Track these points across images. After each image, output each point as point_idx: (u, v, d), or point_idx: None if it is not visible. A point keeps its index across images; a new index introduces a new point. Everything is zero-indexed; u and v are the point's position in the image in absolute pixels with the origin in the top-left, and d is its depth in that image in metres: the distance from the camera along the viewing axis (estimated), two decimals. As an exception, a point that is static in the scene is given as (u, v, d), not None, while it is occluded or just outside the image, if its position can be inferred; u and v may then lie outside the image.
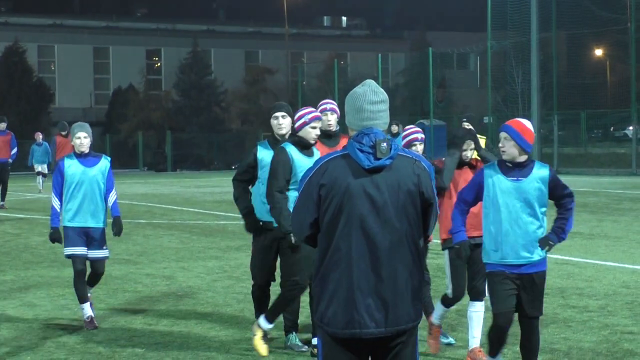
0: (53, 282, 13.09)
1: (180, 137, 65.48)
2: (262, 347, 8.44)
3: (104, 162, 10.17)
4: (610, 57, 60.82)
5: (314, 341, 8.49)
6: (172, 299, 11.73)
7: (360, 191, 5.05)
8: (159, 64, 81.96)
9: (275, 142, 8.98)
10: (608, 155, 48.71)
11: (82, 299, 10.01)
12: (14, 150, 25.21)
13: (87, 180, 9.99)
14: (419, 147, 9.20)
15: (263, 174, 8.88)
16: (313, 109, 8.79)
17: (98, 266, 10.17)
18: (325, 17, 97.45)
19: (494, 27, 50.88)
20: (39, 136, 31.86)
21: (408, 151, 5.21)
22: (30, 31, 74.36)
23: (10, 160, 25.19)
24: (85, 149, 10.02)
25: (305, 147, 8.65)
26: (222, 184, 39.95)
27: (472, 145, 8.65)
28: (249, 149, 9.14)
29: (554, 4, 47.77)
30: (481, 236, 7.96)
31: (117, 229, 10.19)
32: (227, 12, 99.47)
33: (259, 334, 8.57)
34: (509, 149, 7.22)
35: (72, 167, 10.01)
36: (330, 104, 9.46)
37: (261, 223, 8.96)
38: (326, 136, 9.26)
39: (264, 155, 8.91)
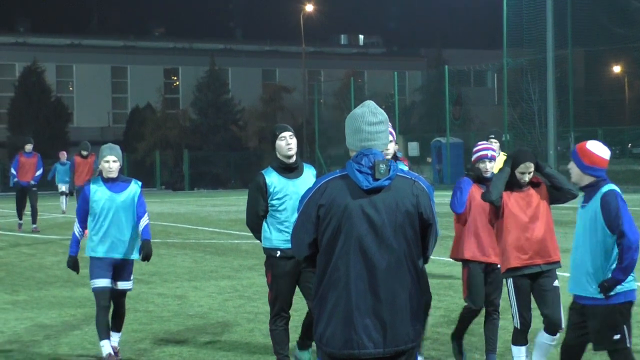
0: (65, 302, 13.14)
1: (197, 155, 65.63)
2: None
3: (134, 187, 9.39)
4: (628, 74, 60.68)
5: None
6: (182, 319, 11.74)
7: (358, 212, 5.08)
8: (176, 83, 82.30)
9: (281, 165, 8.53)
10: (626, 173, 48.46)
11: (103, 335, 9.24)
12: (39, 172, 24.63)
13: (114, 208, 9.22)
14: (488, 165, 8.80)
15: (277, 202, 8.47)
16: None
17: (119, 295, 9.44)
18: (342, 36, 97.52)
19: (510, 44, 50.85)
20: (64, 155, 31.47)
21: (407, 172, 5.23)
22: (49, 51, 74.79)
23: (32, 182, 24.58)
24: (114, 174, 9.23)
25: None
26: (238, 203, 40.03)
27: (531, 169, 8.10)
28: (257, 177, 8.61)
29: (570, 20, 47.73)
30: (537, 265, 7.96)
31: (145, 253, 9.31)
32: (244, 30, 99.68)
33: None
34: (571, 171, 7.15)
35: (98, 192, 9.22)
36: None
37: (279, 252, 8.49)
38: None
39: (274, 180, 8.47)
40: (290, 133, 8.51)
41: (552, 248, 8.18)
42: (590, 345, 7.21)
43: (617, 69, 60.87)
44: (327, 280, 5.13)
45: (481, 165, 8.83)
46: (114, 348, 9.35)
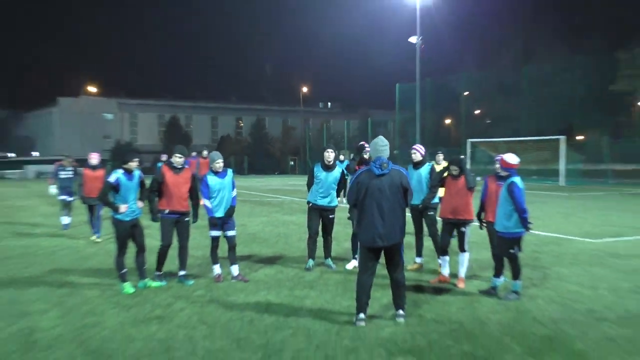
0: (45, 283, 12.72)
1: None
2: None
3: (230, 173, 13.09)
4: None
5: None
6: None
7: (374, 185, 9.08)
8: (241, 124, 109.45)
9: (323, 164, 13.36)
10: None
11: (215, 261, 13.50)
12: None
13: (222, 188, 12.97)
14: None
15: (317, 181, 13.50)
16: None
17: (229, 239, 13.21)
18: (320, 103, 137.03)
19: (400, 107, 68.77)
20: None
21: (398, 167, 9.12)
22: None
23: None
24: (220, 169, 12.99)
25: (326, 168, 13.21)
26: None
27: (457, 168, 11.77)
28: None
29: (427, 94, 63.15)
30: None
31: (228, 213, 13.09)
32: (273, 96, 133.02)
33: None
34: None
35: (212, 180, 12.95)
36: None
37: (311, 204, 13.52)
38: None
39: (317, 170, 13.45)
40: (331, 150, 13.34)
41: (462, 211, 11.97)
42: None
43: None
44: (359, 209, 9.37)
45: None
46: (239, 274, 13.27)
